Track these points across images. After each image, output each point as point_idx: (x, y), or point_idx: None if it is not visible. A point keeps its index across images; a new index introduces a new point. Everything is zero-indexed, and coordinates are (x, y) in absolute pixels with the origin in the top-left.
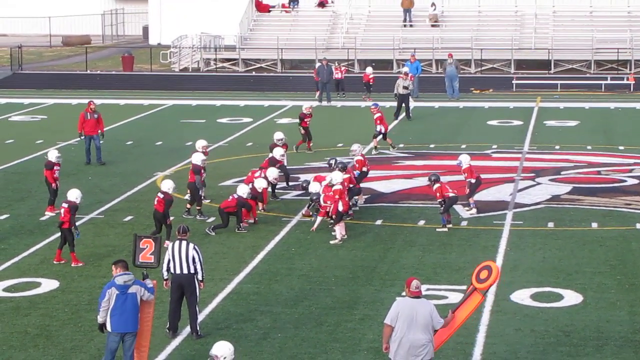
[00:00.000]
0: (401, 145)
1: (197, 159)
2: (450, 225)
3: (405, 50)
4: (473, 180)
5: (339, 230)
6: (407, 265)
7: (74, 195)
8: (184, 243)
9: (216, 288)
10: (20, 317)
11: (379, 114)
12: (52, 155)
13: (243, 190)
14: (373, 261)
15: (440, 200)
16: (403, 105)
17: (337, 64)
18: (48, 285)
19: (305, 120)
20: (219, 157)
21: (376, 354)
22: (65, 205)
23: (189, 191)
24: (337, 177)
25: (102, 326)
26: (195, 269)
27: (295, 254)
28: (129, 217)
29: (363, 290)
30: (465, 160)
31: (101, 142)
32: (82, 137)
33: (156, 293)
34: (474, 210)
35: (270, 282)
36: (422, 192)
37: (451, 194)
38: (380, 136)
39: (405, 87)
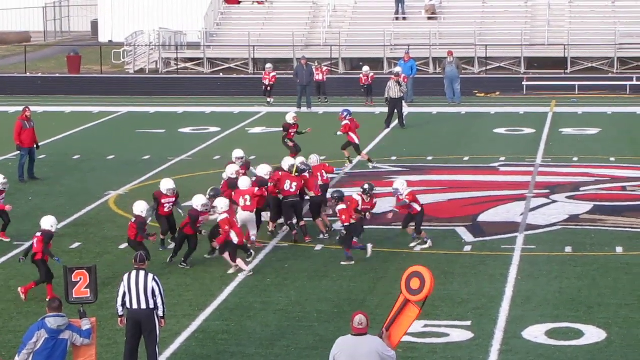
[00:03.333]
0: (393, 158)
1: (231, 170)
2: (352, 263)
3: (397, 48)
4: (418, 208)
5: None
6: None
7: (49, 222)
8: (141, 273)
9: (179, 326)
10: None
11: (345, 122)
12: None
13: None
14: (362, 293)
15: (345, 225)
16: (395, 111)
17: (318, 64)
18: None
19: (291, 131)
20: (181, 174)
21: None
22: (38, 234)
23: None
24: (221, 204)
25: None
26: (155, 304)
27: (271, 285)
28: (76, 244)
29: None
30: (402, 186)
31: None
32: (20, 151)
33: (96, 333)
34: (429, 244)
35: (242, 319)
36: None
37: (352, 221)
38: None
39: (399, 90)
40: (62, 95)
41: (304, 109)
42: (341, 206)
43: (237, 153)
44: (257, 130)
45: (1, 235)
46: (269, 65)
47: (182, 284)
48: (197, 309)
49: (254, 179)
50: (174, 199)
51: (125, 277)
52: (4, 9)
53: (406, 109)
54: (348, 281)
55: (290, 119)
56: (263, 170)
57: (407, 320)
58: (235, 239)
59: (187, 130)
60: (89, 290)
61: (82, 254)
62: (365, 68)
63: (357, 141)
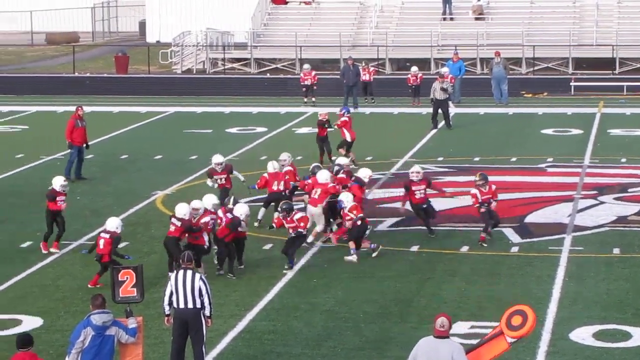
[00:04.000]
0: (440, 159)
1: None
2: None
3: (445, 48)
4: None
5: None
6: (448, 299)
7: (114, 224)
8: (189, 273)
9: (225, 326)
10: None
11: (344, 119)
12: (57, 183)
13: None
14: (408, 294)
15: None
16: (440, 111)
17: (364, 64)
18: (30, 323)
19: (320, 128)
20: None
21: None
22: (105, 235)
23: None
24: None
25: None
26: (202, 303)
27: (318, 286)
28: (123, 244)
29: (396, 328)
30: (347, 198)
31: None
32: (71, 149)
33: (142, 332)
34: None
35: (288, 319)
36: (465, 212)
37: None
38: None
39: (443, 90)
40: (109, 95)
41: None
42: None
43: (217, 159)
44: (303, 130)
45: (54, 246)
46: (306, 66)
47: (229, 284)
48: (244, 309)
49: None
50: (224, 175)
51: (172, 276)
52: (52, 9)
53: (453, 110)
54: (394, 282)
55: (320, 115)
56: (363, 173)
57: (493, 350)
58: (207, 244)
59: (234, 130)
60: (135, 289)
61: (129, 253)
62: (414, 68)
63: (348, 139)
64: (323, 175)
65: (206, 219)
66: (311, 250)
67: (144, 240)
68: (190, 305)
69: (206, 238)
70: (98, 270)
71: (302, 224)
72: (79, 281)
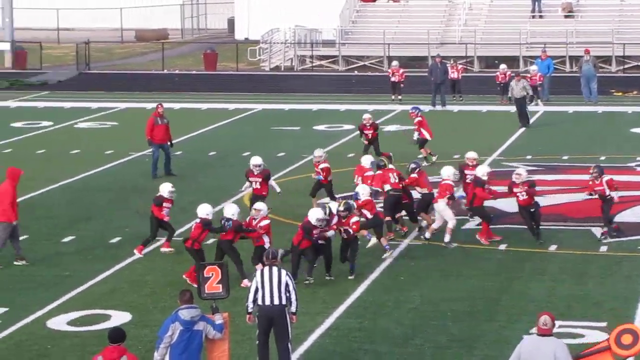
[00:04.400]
0: (529, 157)
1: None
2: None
3: (533, 46)
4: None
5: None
6: (536, 298)
7: (205, 210)
8: (274, 269)
9: (312, 323)
10: (87, 355)
11: (418, 119)
12: (165, 189)
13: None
14: (496, 292)
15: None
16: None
17: (453, 62)
18: (119, 318)
19: (365, 132)
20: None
21: None
22: (197, 221)
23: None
24: (264, 209)
25: None
26: (288, 299)
27: (405, 284)
28: (211, 240)
29: (484, 326)
30: (363, 191)
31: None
32: (151, 146)
33: (228, 328)
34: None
35: (375, 317)
36: (554, 211)
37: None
38: (425, 143)
39: (521, 89)
40: (198, 92)
41: (438, 107)
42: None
43: (255, 160)
44: (391, 128)
45: (165, 246)
46: (395, 63)
47: (317, 281)
48: (331, 306)
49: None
50: (260, 179)
51: (258, 273)
52: (142, 6)
53: (542, 108)
54: (482, 280)
55: (364, 119)
56: (481, 171)
57: None
58: (267, 244)
59: (321, 127)
60: (221, 285)
61: (212, 248)
62: (503, 66)
63: (428, 137)
64: (446, 172)
65: (266, 221)
66: (398, 248)
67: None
68: (276, 302)
69: (267, 239)
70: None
71: (354, 227)
72: (168, 277)
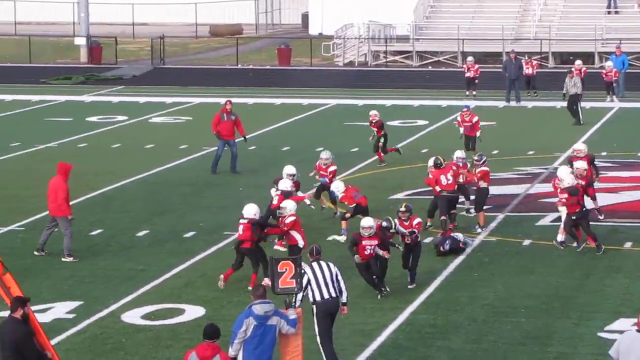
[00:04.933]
0: (604, 154)
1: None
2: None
3: (609, 42)
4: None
5: None
6: (611, 295)
7: (252, 211)
8: (323, 263)
9: (386, 318)
10: (160, 349)
11: (475, 118)
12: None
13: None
14: (570, 290)
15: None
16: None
17: (527, 58)
18: (193, 312)
19: (372, 129)
20: (389, 167)
21: None
22: (243, 221)
23: None
24: (289, 206)
25: None
26: (340, 290)
27: (478, 280)
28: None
29: (558, 323)
30: (338, 188)
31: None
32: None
33: (302, 323)
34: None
35: (448, 313)
36: (629, 208)
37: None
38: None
39: (574, 86)
40: (272, 87)
41: (512, 103)
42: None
43: (290, 169)
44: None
45: (279, 244)
46: (470, 58)
47: (389, 276)
48: (405, 302)
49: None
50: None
51: (309, 270)
52: (216, 1)
53: (617, 104)
54: (556, 277)
55: (370, 116)
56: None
57: None
58: (300, 242)
59: (395, 123)
60: (294, 280)
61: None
62: (578, 62)
63: (478, 134)
64: (564, 172)
65: (291, 218)
66: (472, 244)
67: (304, 232)
68: (333, 295)
69: (298, 237)
70: (233, 264)
71: (417, 227)
72: (240, 272)
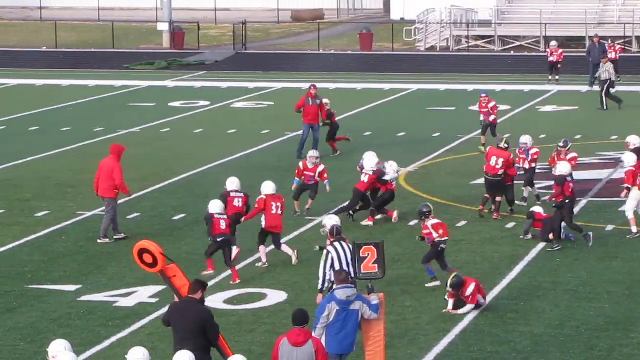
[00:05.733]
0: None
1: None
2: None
3: None
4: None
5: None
6: None
7: (218, 206)
8: (344, 244)
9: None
10: (243, 334)
11: (492, 103)
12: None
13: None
14: None
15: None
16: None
17: (610, 42)
18: (275, 297)
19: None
20: (469, 152)
21: None
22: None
23: None
24: None
25: None
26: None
27: (561, 266)
28: (366, 222)
29: None
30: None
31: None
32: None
33: (384, 309)
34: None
35: (531, 298)
36: None
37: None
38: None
39: (606, 71)
40: (354, 72)
41: (595, 88)
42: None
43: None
44: (547, 108)
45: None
46: (553, 43)
47: (471, 261)
48: (486, 287)
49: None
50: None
51: (332, 250)
52: None
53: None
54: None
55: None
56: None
57: None
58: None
59: (476, 107)
60: (376, 265)
61: (373, 229)
62: None
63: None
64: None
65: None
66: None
67: (387, 217)
68: (353, 275)
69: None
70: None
71: (440, 231)
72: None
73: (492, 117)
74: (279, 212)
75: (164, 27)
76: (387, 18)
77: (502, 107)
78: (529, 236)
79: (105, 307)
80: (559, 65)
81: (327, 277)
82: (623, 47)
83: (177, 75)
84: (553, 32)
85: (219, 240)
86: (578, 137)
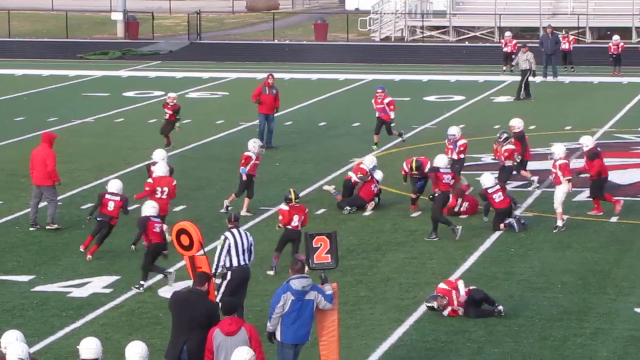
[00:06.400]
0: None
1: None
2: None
3: None
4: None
5: None
6: None
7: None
8: (241, 231)
9: (422, 294)
10: None
11: (388, 99)
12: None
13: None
14: (607, 265)
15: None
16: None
17: (564, 33)
18: None
19: (166, 110)
20: (426, 142)
21: None
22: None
23: None
24: None
25: (272, 335)
26: (250, 259)
27: (515, 256)
28: (321, 210)
29: (595, 299)
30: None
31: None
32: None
33: (337, 299)
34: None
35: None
36: None
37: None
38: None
39: (525, 61)
40: (308, 62)
41: (549, 78)
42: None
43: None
44: (502, 99)
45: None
46: (508, 34)
47: (426, 252)
48: (441, 277)
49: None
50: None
51: (230, 235)
52: None
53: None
54: (593, 252)
55: (169, 98)
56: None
57: None
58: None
59: (431, 98)
60: (329, 256)
61: (327, 220)
62: (616, 37)
63: (392, 116)
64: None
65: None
66: (508, 220)
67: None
68: (248, 263)
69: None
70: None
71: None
72: (273, 244)
73: (391, 115)
74: (164, 196)
75: (118, 16)
76: (342, 8)
77: (456, 98)
78: (486, 219)
79: (58, 298)
80: (513, 56)
81: (222, 263)
82: (577, 37)
83: (131, 65)
84: (507, 23)
85: (99, 219)
86: (532, 127)
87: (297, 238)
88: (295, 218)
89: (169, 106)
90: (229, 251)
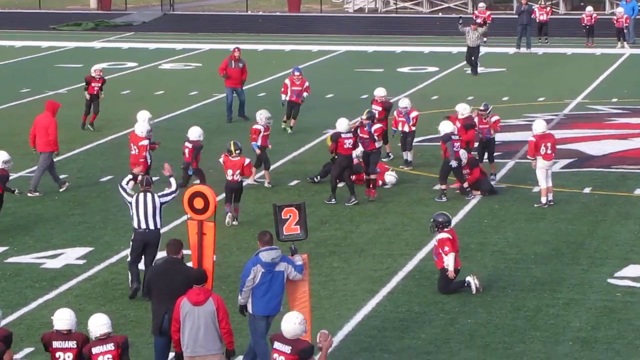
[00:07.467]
0: (614, 100)
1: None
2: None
3: None
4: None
5: None
6: (620, 242)
7: (197, 133)
8: (148, 195)
9: (396, 265)
10: None
11: (307, 83)
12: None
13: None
14: (580, 236)
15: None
16: (472, 58)
17: (542, 3)
18: None
19: (92, 85)
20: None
21: (583, 345)
22: (188, 145)
23: None
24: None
25: (244, 308)
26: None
27: (488, 227)
28: (294, 182)
29: (568, 270)
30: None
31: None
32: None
33: (308, 270)
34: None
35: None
36: (639, 155)
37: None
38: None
39: (478, 38)
40: (281, 34)
41: (523, 49)
42: None
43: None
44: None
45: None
46: (481, 5)
47: (399, 223)
48: (414, 248)
49: None
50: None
51: (133, 199)
52: None
53: (628, 50)
54: (566, 223)
55: (92, 71)
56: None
57: None
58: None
59: (405, 69)
60: (298, 227)
61: (300, 191)
62: (589, 8)
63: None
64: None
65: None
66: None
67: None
68: (152, 227)
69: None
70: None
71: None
72: (250, 217)
73: (304, 95)
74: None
75: None
76: None
77: (430, 69)
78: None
79: (32, 269)
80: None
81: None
82: (552, 8)
83: (105, 36)
84: None
85: None
86: (505, 98)
87: (237, 188)
88: (229, 172)
89: (97, 79)
90: (131, 214)
